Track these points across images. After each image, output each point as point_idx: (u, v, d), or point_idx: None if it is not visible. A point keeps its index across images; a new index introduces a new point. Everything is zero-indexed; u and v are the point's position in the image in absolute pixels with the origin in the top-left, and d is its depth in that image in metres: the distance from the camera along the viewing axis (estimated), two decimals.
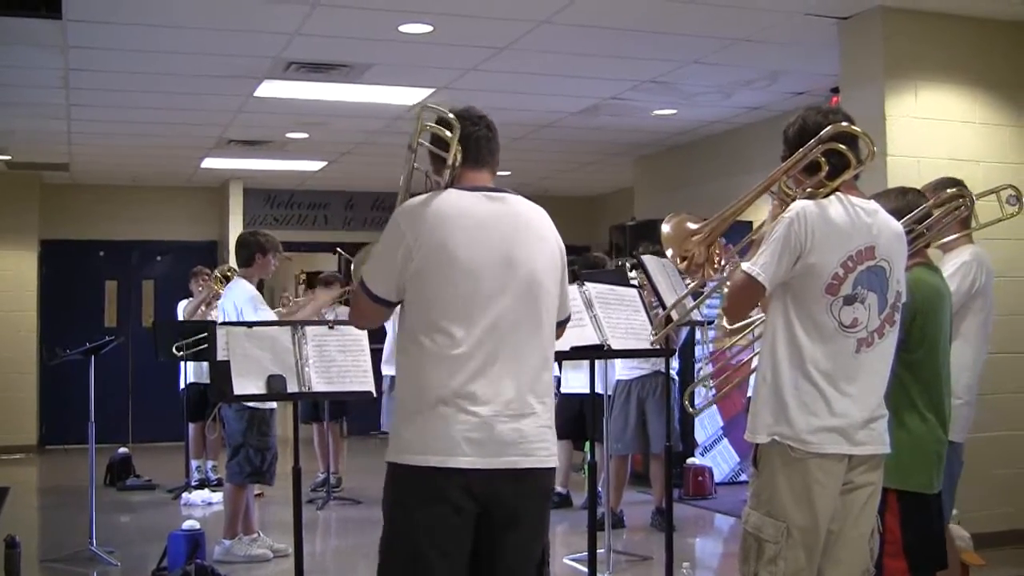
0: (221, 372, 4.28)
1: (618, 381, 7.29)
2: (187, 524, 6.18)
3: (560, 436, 7.90)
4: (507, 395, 2.87)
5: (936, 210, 3.96)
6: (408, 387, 2.93)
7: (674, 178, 10.90)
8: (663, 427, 6.80)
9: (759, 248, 3.12)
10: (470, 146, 3.02)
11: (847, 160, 3.10)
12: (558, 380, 7.96)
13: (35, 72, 7.62)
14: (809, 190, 3.14)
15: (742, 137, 9.58)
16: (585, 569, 5.01)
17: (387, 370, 8.33)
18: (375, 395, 4.77)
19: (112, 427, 11.20)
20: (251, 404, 5.92)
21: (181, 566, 5.80)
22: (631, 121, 9.51)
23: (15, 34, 6.57)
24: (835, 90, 7.09)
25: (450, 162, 2.99)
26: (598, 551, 4.98)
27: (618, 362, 7.16)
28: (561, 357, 5.72)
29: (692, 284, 4.45)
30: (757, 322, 3.62)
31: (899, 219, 3.77)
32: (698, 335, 7.86)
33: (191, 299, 9.62)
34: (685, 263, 3.34)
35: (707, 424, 8.94)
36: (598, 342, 4.67)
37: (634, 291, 5.16)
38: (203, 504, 8.44)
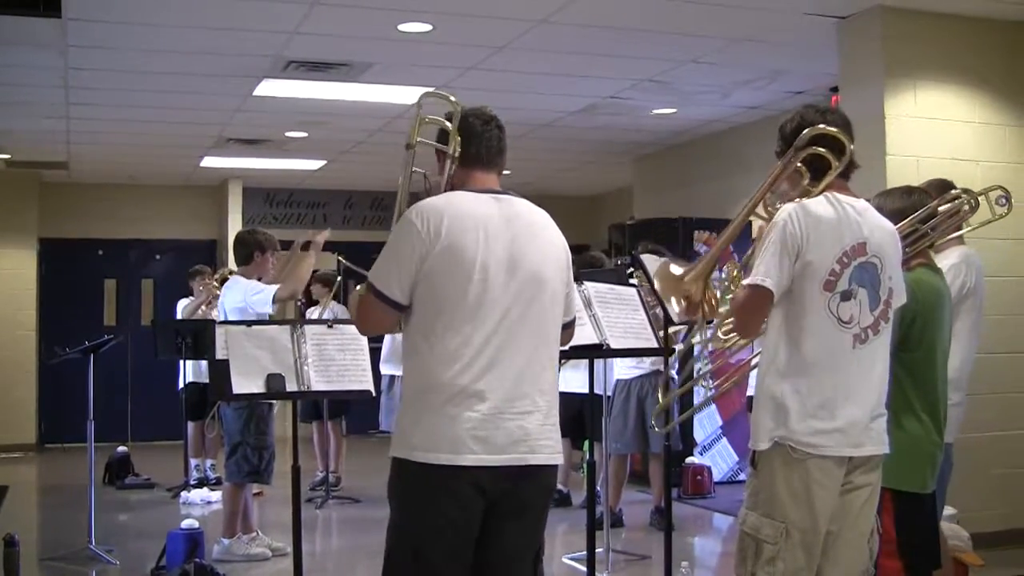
0: (220, 371, 4.29)
1: (617, 380, 7.29)
2: (186, 523, 6.19)
3: (562, 435, 7.95)
4: (513, 393, 2.91)
5: (941, 210, 3.96)
6: (416, 385, 2.96)
7: (673, 177, 10.90)
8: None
9: (756, 260, 3.11)
10: (481, 147, 3.07)
11: (827, 162, 3.12)
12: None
13: (34, 71, 7.62)
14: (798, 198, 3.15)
15: (741, 136, 9.58)
16: (584, 568, 5.01)
17: (386, 369, 8.34)
18: (374, 394, 4.79)
19: (111, 426, 11.19)
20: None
21: (180, 565, 5.80)
22: (630, 120, 9.51)
23: (14, 33, 6.57)
24: (834, 89, 7.09)
25: (451, 152, 3.02)
26: (597, 550, 4.98)
27: (617, 361, 7.16)
28: (560, 356, 5.76)
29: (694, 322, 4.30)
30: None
31: (903, 218, 3.78)
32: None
33: (190, 298, 9.62)
34: (687, 304, 3.31)
35: (706, 423, 8.95)
36: (597, 341, 4.68)
37: (633, 290, 5.16)
38: (202, 503, 8.44)
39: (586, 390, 5.37)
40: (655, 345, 4.99)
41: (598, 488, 6.34)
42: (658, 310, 5.43)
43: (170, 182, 13.11)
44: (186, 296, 9.77)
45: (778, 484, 3.08)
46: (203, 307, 9.21)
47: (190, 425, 9.26)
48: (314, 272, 7.12)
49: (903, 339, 3.55)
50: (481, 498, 2.90)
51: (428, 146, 3.10)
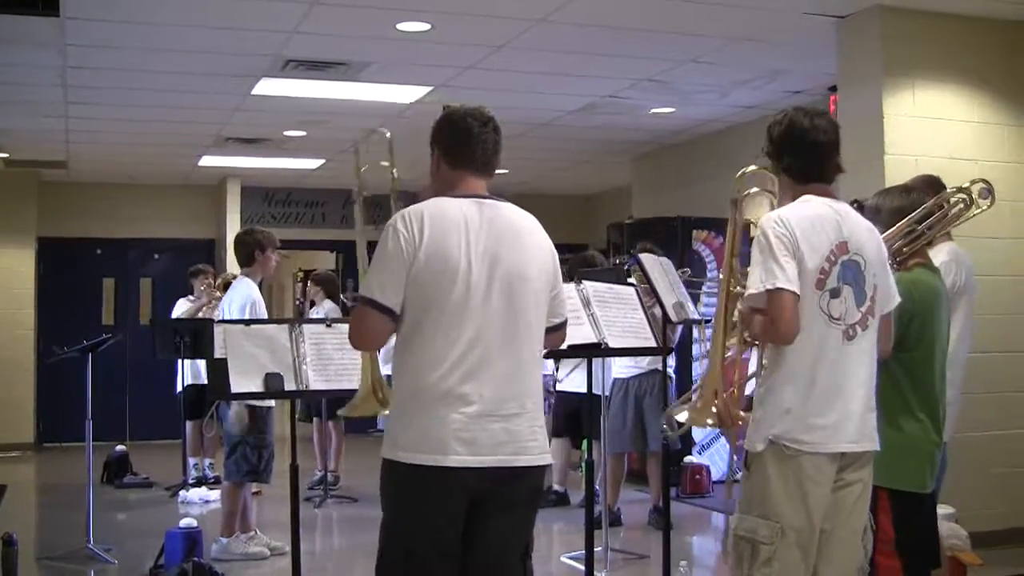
0: (219, 370, 4.28)
1: (615, 379, 7.29)
2: (184, 522, 6.19)
3: (558, 434, 7.97)
4: (498, 395, 2.95)
5: (939, 209, 3.96)
6: (404, 387, 3.01)
7: (672, 177, 10.90)
8: (660, 425, 6.81)
9: (753, 269, 3.11)
10: (476, 149, 3.10)
11: (808, 167, 3.23)
12: (555, 378, 7.97)
13: (33, 70, 7.61)
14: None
15: (740, 136, 9.57)
16: (582, 567, 5.01)
17: (385, 370, 8.31)
18: None
19: (110, 425, 11.18)
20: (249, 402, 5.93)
21: (178, 564, 5.79)
22: (629, 120, 9.51)
23: (13, 32, 6.56)
24: (833, 89, 7.09)
25: (392, 181, 3.26)
26: (595, 549, 4.98)
27: (615, 360, 7.16)
28: (559, 355, 5.76)
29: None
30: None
31: (902, 217, 3.79)
32: (695, 334, 7.88)
33: (189, 297, 9.61)
34: (719, 421, 3.35)
35: None
36: (595, 340, 4.68)
37: (631, 289, 5.17)
38: (200, 502, 8.44)
39: (584, 389, 5.37)
40: (653, 344, 5.00)
41: (597, 487, 6.34)
42: (656, 309, 5.44)
43: (169, 181, 13.10)
44: (185, 295, 9.76)
45: (772, 483, 3.09)
46: (203, 309, 9.20)
47: (188, 424, 9.25)
48: (312, 272, 7.13)
49: (901, 339, 3.55)
50: (465, 499, 2.94)
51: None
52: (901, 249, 3.80)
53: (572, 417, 7.50)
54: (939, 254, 4.41)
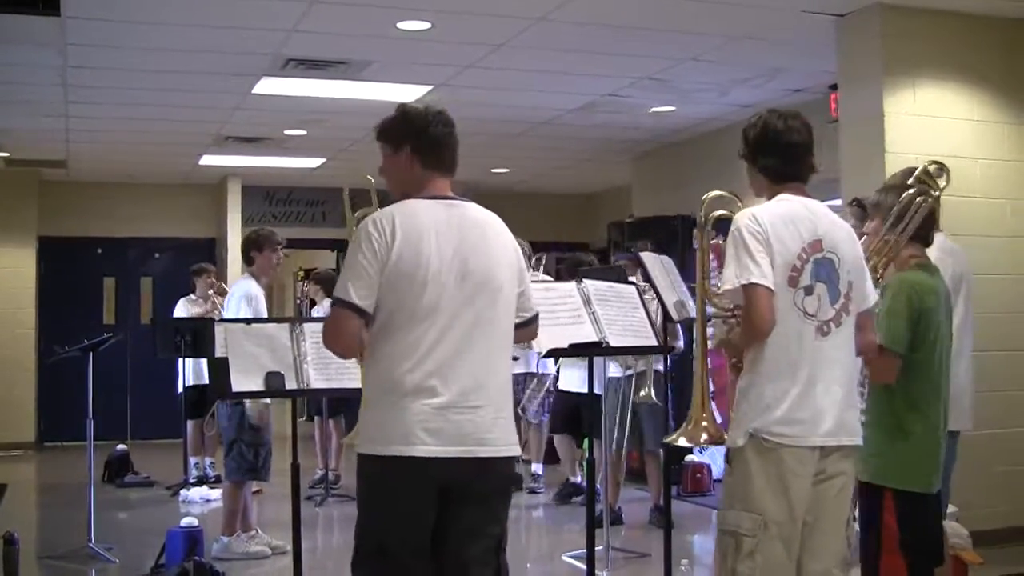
0: (220, 369, 4.29)
1: (610, 379, 7.26)
2: (185, 521, 6.20)
3: (560, 431, 7.93)
4: (463, 388, 3.02)
5: (912, 206, 3.92)
6: (374, 384, 3.09)
7: (672, 175, 10.89)
8: (658, 425, 6.80)
9: (727, 266, 3.16)
10: (444, 153, 3.22)
11: (783, 167, 3.32)
12: (556, 376, 7.97)
13: (33, 69, 7.61)
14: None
15: (739, 134, 9.55)
16: (583, 566, 5.00)
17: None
18: None
19: (111, 424, 11.17)
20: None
21: (179, 563, 5.80)
22: (629, 118, 9.51)
23: (13, 31, 6.56)
24: (833, 87, 7.10)
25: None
26: (596, 548, 4.98)
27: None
28: (560, 354, 5.75)
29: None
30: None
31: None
32: (695, 333, 7.84)
33: (191, 296, 9.60)
34: (711, 439, 3.49)
35: None
36: (596, 339, 4.68)
37: (632, 288, 5.16)
38: (201, 501, 8.45)
39: (584, 388, 5.36)
40: (654, 343, 5.00)
41: (598, 486, 6.34)
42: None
43: (169, 180, 13.10)
44: (186, 294, 9.75)
45: (753, 477, 3.13)
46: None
47: (189, 423, 9.26)
48: (312, 271, 7.14)
49: (909, 340, 3.57)
50: (435, 490, 3.00)
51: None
52: (890, 246, 3.81)
53: (571, 415, 7.49)
54: (931, 249, 4.40)
